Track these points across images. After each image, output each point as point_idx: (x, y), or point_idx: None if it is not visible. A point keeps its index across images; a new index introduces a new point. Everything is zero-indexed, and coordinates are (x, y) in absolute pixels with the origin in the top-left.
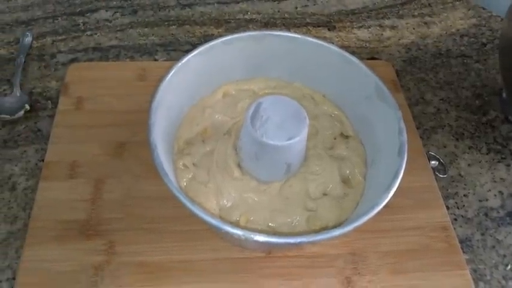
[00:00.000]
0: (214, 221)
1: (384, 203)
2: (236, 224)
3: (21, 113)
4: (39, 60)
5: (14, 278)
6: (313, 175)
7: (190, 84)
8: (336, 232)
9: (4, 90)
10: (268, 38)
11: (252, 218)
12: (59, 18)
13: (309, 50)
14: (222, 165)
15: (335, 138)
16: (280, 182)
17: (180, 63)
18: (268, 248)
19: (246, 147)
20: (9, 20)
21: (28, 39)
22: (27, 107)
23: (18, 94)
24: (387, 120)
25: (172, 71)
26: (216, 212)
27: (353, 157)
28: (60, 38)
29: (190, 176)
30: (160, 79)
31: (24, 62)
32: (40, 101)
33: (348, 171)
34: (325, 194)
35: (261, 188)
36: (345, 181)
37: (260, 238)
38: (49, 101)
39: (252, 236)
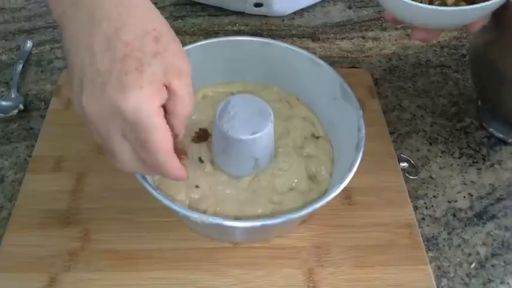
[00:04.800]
0: (167, 202)
1: (335, 193)
2: None
3: (15, 112)
4: (37, 66)
5: None
6: (281, 171)
7: None
8: (281, 219)
9: (1, 92)
10: (243, 43)
11: (218, 209)
12: (58, 28)
13: (281, 54)
14: (195, 160)
15: (305, 138)
16: (250, 176)
17: None
18: (232, 236)
19: (216, 142)
20: (12, 29)
21: (28, 46)
22: (21, 107)
23: (13, 95)
24: (349, 119)
25: None
26: (185, 204)
27: (321, 156)
28: (58, 45)
29: None
30: None
31: (24, 67)
32: (34, 102)
33: (314, 169)
34: (291, 189)
35: (230, 182)
36: (311, 177)
37: (214, 220)
38: (42, 102)
39: (206, 219)
